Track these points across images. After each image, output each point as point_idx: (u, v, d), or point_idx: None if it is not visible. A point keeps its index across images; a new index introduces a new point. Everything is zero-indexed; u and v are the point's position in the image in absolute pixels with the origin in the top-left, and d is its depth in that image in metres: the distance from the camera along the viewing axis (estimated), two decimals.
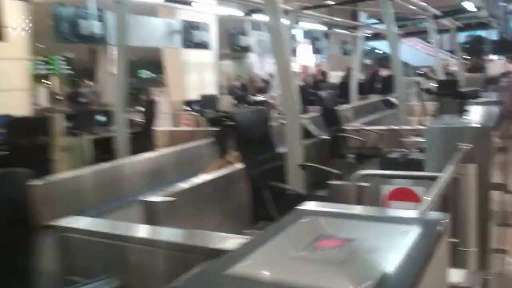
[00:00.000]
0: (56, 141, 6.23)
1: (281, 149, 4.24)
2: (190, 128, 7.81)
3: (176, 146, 6.50)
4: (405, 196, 2.28)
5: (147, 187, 4.70)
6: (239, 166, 3.14)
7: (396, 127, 5.61)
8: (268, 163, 3.04)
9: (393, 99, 8.40)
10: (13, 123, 4.32)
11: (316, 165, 3.31)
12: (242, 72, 21.46)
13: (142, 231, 2.36)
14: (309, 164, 3.43)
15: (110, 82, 21.59)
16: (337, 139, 4.94)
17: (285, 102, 4.03)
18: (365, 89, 11.77)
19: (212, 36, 8.70)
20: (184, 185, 3.28)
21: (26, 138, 4.19)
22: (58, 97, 22.06)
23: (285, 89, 4.00)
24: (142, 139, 6.28)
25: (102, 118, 6.67)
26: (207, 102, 8.44)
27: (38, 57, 26.43)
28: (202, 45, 8.26)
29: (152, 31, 7.58)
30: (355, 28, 11.73)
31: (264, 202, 2.78)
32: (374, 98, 10.60)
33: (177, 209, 3.08)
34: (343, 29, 12.23)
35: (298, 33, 11.80)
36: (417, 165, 2.28)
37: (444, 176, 1.86)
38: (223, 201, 3.51)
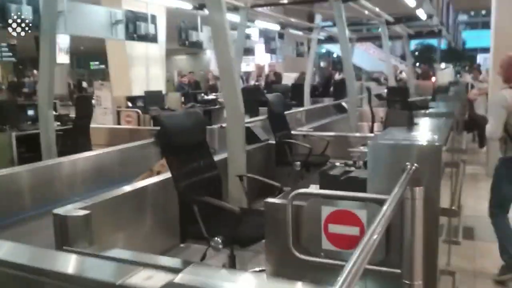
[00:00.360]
0: None
1: (220, 156, 3.93)
2: (132, 126, 7.34)
3: (115, 145, 6.06)
4: (346, 219, 2.02)
5: (75, 192, 4.25)
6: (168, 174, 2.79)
7: (345, 134, 5.44)
8: (200, 174, 2.71)
9: (344, 104, 8.30)
10: None
11: (256, 176, 3.01)
12: (198, 68, 20.99)
13: None
14: (248, 175, 3.13)
15: (55, 72, 20.50)
16: (284, 145, 4.68)
17: (228, 104, 3.72)
18: (319, 92, 11.70)
19: (160, 29, 8.25)
20: (102, 196, 2.89)
21: None
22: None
23: (228, 89, 3.69)
24: (76, 136, 5.77)
25: (32, 113, 6.08)
26: (152, 98, 7.99)
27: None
28: (149, 38, 7.79)
29: (94, 20, 7.05)
30: (310, 29, 11.60)
31: (193, 219, 2.46)
32: (327, 102, 10.51)
33: (94, 223, 2.69)
34: (299, 30, 12.08)
35: (253, 32, 11.53)
36: (359, 184, 2.02)
37: (389, 199, 1.59)
38: (149, 215, 3.15)
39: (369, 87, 8.38)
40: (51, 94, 4.66)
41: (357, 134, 5.90)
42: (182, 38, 8.76)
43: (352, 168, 2.39)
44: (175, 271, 1.66)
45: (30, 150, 5.41)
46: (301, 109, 8.71)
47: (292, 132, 5.20)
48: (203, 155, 2.82)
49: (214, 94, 10.59)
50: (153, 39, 7.94)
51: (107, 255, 2.52)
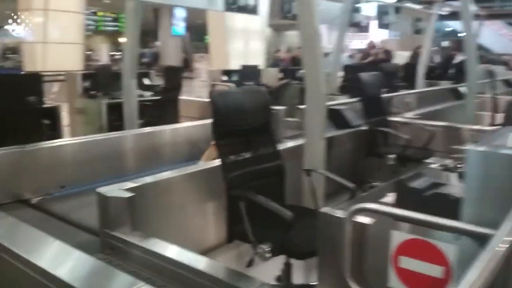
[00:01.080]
0: (72, 102, 5.82)
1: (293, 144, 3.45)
2: None
3: (203, 119, 5.88)
4: (426, 253, 1.44)
5: (146, 167, 4.11)
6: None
7: (456, 125, 4.54)
8: (256, 164, 2.27)
9: (462, 89, 7.17)
10: None
11: (323, 172, 2.48)
12: None
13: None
14: (317, 171, 2.60)
15: (171, 44, 21.45)
16: (376, 133, 4.02)
17: (308, 82, 3.20)
18: (437, 74, 10.42)
19: (262, 0, 7.83)
20: (151, 177, 2.61)
21: (12, 99, 3.70)
22: (117, 55, 22.28)
23: (309, 65, 3.15)
24: (164, 108, 5.69)
25: None
26: (248, 73, 7.68)
27: (107, 14, 26.84)
28: (248, 9, 7.43)
29: None
30: (430, 3, 10.27)
31: (240, 218, 2.05)
32: (444, 85, 9.27)
33: (137, 208, 2.42)
34: (417, 3, 10.80)
35: (368, 6, 10.57)
36: (451, 205, 1.42)
37: (497, 237, 1.01)
38: (198, 205, 2.81)
39: (492, 71, 7.10)
40: (134, 63, 4.54)
41: (473, 127, 4.92)
42: (284, 11, 8.27)
43: (447, 177, 1.75)
44: None
45: (120, 118, 5.45)
46: (408, 92, 7.75)
47: (390, 118, 4.48)
48: (263, 141, 2.37)
49: None
50: (252, 10, 7.55)
51: (147, 247, 2.24)
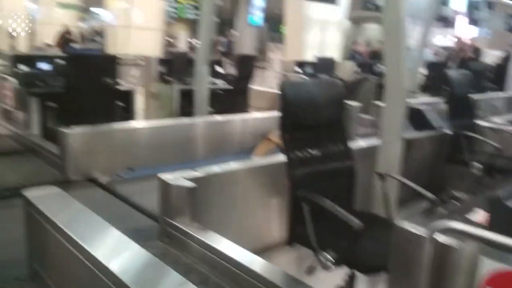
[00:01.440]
0: (148, 86, 5.94)
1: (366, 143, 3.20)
2: None
3: (272, 111, 5.76)
4: None
5: (220, 154, 4.07)
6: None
7: None
8: (324, 163, 2.09)
9: None
10: (77, 59, 3.93)
11: (401, 179, 2.23)
12: None
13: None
14: (392, 176, 2.36)
15: (247, 34, 21.56)
16: (461, 138, 3.64)
17: (389, 76, 2.93)
18: None
19: None
20: (214, 169, 2.51)
21: (89, 78, 3.79)
22: (195, 42, 22.79)
23: (391, 59, 2.89)
24: (235, 97, 5.63)
25: None
26: (322, 65, 7.43)
27: (189, 2, 27.61)
28: None
29: None
30: None
31: (303, 220, 1.89)
32: None
33: (198, 198, 2.34)
34: None
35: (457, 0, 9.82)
36: None
37: None
38: (260, 201, 2.67)
39: None
40: (208, 50, 4.49)
41: None
42: (366, 0, 7.88)
43: None
44: None
45: (191, 105, 5.48)
46: (497, 94, 7.09)
47: (478, 122, 4.06)
48: (334, 139, 2.18)
49: None
50: (332, 0, 7.27)
51: (205, 240, 2.16)
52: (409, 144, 3.09)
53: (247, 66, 5.55)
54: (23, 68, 4.44)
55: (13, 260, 2.20)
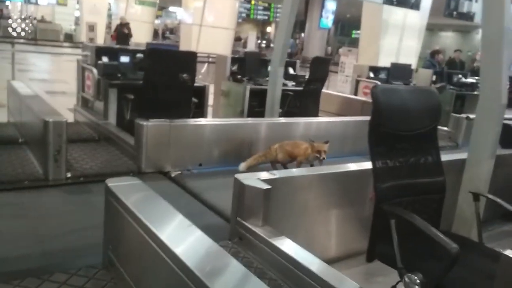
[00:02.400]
0: (219, 84, 5.98)
1: (452, 157, 2.96)
2: (367, 99, 6.72)
3: (343, 116, 5.61)
4: None
5: None
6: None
7: None
8: (414, 176, 1.93)
9: None
10: (157, 54, 4.00)
11: (500, 201, 2.01)
12: (466, 48, 18.51)
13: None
14: (488, 196, 2.15)
15: (316, 36, 21.32)
16: None
17: (484, 88, 2.70)
18: None
19: None
20: (287, 172, 2.43)
21: (168, 73, 3.84)
22: (262, 43, 22.88)
23: (489, 68, 2.66)
24: (305, 100, 5.52)
25: None
26: (397, 72, 7.13)
27: (260, 3, 27.71)
28: (409, 3, 6.85)
29: None
30: None
31: (387, 236, 1.75)
32: None
33: (273, 201, 2.26)
34: None
35: None
36: None
37: None
38: (338, 210, 2.54)
39: None
40: (285, 52, 4.42)
41: None
42: (450, 8, 7.46)
43: None
44: None
45: (261, 105, 5.45)
46: None
47: None
48: (426, 151, 2.01)
49: (475, 77, 8.89)
50: (414, 5, 6.96)
51: (277, 245, 2.08)
52: (497, 162, 2.84)
53: (321, 68, 5.41)
54: (105, 60, 4.61)
55: (88, 247, 2.24)
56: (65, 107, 5.83)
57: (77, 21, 23.29)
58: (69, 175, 3.24)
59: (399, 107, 1.94)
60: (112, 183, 2.03)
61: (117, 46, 8.28)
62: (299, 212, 2.48)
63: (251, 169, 3.41)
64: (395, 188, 1.89)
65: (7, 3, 26.26)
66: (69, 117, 4.23)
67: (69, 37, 21.91)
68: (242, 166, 3.52)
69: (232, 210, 2.35)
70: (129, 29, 13.91)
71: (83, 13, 20.00)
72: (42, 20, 23.40)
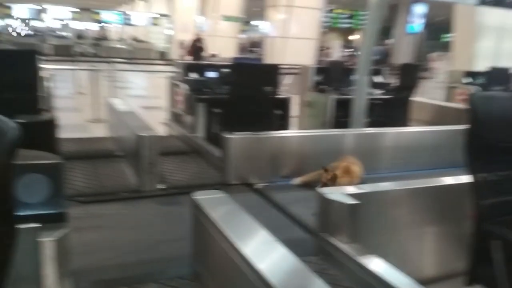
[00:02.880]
0: (303, 95, 5.95)
1: None
2: (463, 106, 6.27)
3: (436, 125, 5.28)
4: None
5: (375, 170, 3.84)
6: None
7: None
8: None
9: None
10: (241, 68, 4.08)
11: None
12: None
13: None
14: None
15: (404, 42, 20.51)
16: None
17: None
18: None
19: None
20: (376, 187, 2.31)
21: (251, 86, 3.91)
22: (346, 51, 22.48)
23: None
24: (393, 108, 5.30)
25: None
26: (497, 76, 6.56)
27: (343, 11, 27.39)
28: (508, 4, 6.29)
29: None
30: None
31: (489, 259, 1.59)
32: None
33: (361, 216, 2.17)
34: None
35: None
36: None
37: None
38: (429, 227, 2.36)
39: None
40: (369, 60, 4.29)
41: None
42: None
43: None
44: None
45: (346, 115, 5.32)
46: None
47: None
48: None
49: None
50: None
51: (366, 265, 1.99)
52: None
53: (410, 76, 5.16)
54: (193, 75, 4.81)
55: (178, 258, 2.30)
56: (158, 121, 6.17)
57: (167, 39, 24.69)
58: (160, 186, 3.40)
59: (501, 116, 1.76)
60: (199, 196, 2.08)
61: (205, 62, 8.62)
62: (390, 229, 2.36)
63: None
64: (498, 205, 1.71)
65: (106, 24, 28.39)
66: (162, 131, 4.46)
67: (161, 55, 23.32)
68: (297, 180, 3.53)
69: (317, 224, 2.30)
70: (202, 43, 14.51)
71: (176, 31, 21.11)
72: (137, 39, 25.17)
